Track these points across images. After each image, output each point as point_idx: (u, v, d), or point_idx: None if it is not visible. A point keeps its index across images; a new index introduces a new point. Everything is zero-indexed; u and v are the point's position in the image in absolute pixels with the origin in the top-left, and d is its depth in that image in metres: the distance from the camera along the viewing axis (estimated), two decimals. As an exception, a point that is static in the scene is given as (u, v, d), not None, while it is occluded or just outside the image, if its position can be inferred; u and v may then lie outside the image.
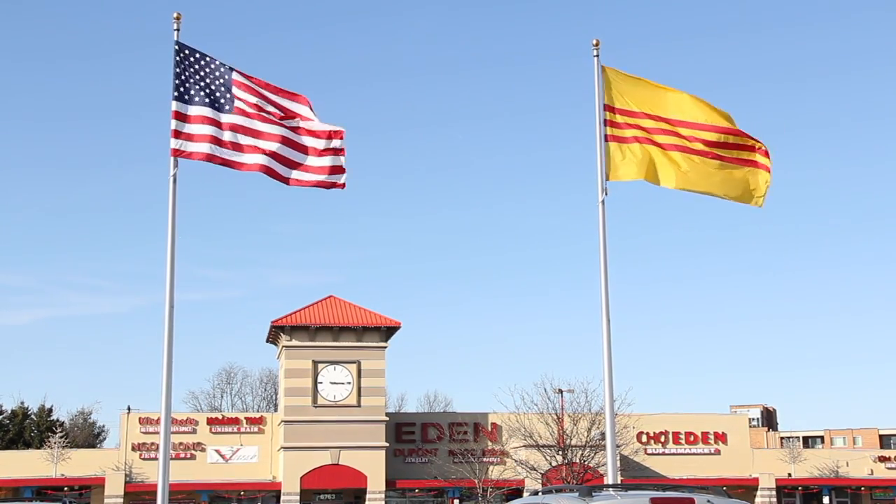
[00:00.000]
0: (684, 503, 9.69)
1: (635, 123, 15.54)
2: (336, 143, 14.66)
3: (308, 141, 14.65)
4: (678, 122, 15.54)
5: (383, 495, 55.43)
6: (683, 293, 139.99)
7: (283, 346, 56.57)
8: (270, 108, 14.63)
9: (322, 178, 14.62)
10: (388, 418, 57.22)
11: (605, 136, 15.55)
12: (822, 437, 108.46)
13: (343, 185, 14.64)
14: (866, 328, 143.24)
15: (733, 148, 15.47)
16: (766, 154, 15.52)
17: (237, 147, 14.39)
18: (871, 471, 62.79)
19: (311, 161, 14.62)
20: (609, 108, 15.64)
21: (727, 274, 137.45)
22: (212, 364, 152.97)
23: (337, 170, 14.66)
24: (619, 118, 15.59)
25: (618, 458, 17.20)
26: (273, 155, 14.45)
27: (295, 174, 14.55)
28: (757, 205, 15.51)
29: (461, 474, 54.22)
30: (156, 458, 50.87)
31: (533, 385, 77.83)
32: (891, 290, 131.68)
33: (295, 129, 14.67)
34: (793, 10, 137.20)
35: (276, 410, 67.39)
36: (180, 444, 56.21)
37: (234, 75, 14.63)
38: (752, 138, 15.55)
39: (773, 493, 59.20)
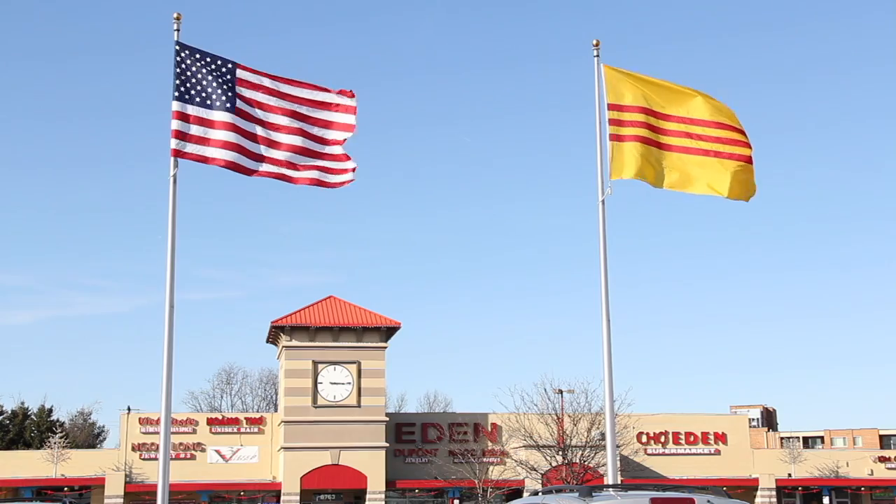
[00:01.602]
0: (684, 503, 9.69)
1: (638, 120, 15.51)
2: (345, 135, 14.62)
3: (325, 133, 14.57)
4: (679, 119, 15.56)
5: (383, 495, 55.38)
6: (683, 293, 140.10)
7: (283, 347, 56.54)
8: (280, 105, 14.50)
9: (325, 175, 14.55)
10: (388, 418, 57.15)
11: (610, 135, 15.51)
12: (822, 438, 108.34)
13: (339, 185, 14.54)
14: (866, 328, 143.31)
15: (732, 144, 15.52)
16: (750, 150, 15.75)
17: (238, 148, 14.30)
18: (871, 471, 62.72)
19: (319, 160, 14.55)
20: (613, 106, 15.60)
21: (727, 274, 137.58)
22: (212, 364, 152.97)
23: (341, 170, 14.60)
24: (623, 115, 15.55)
25: (618, 458, 17.20)
26: (275, 160, 14.38)
27: (298, 174, 14.47)
28: (746, 199, 15.71)
29: (461, 474, 54.20)
30: (156, 459, 50.86)
31: (533, 385, 78.03)
32: (891, 290, 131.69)
33: (307, 121, 14.56)
34: (793, 11, 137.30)
35: (276, 410, 67.32)
36: (180, 444, 56.17)
37: (239, 72, 14.47)
38: (744, 135, 15.72)
39: (773, 493, 59.14)
